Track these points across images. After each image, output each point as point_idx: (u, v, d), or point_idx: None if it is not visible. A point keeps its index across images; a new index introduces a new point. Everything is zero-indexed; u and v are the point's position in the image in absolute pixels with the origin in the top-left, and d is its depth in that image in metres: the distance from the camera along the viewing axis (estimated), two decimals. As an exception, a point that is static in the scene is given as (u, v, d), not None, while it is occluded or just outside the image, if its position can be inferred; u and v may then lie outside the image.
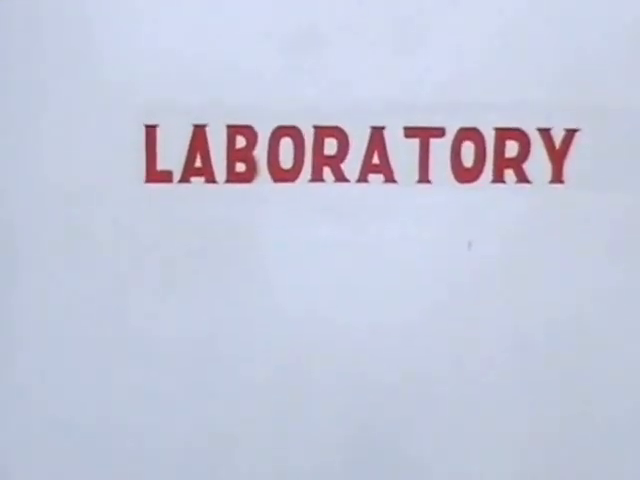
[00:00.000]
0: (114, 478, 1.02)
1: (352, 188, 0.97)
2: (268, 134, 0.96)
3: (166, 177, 0.96)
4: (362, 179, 0.97)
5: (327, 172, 0.97)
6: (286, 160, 0.96)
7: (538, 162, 0.96)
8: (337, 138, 0.96)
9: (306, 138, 0.96)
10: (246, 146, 0.96)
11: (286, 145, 0.96)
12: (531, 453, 1.03)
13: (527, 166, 0.96)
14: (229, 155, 0.96)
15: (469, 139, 0.96)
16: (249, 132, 0.96)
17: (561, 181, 0.96)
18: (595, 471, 1.03)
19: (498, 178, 0.97)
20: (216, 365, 0.99)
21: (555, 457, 1.02)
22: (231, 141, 0.96)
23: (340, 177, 0.97)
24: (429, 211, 0.97)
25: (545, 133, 0.96)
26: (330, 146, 0.96)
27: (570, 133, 0.96)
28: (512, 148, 0.96)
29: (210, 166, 0.96)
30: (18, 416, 1.01)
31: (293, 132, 0.96)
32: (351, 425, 1.01)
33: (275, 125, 0.96)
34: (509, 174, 0.97)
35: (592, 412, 1.02)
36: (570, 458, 1.03)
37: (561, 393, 1.01)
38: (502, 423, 1.02)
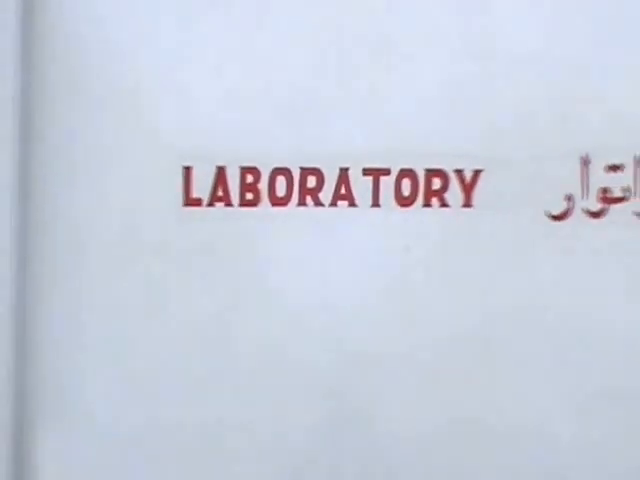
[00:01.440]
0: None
1: (326, 210, 1.39)
2: (268, 173, 1.38)
3: (198, 202, 1.39)
4: (333, 204, 1.39)
5: (309, 199, 1.39)
6: (280, 191, 1.39)
7: (454, 193, 1.39)
8: (316, 176, 1.38)
9: (294, 176, 1.39)
10: (253, 181, 1.39)
11: (280, 181, 1.39)
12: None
13: (447, 195, 1.39)
14: (241, 187, 1.39)
15: (407, 177, 1.38)
16: (255, 172, 1.38)
17: (470, 206, 1.39)
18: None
19: (427, 203, 1.39)
20: (233, 339, 1.40)
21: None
22: (243, 178, 1.38)
23: (318, 203, 1.39)
24: (379, 225, 1.38)
25: (459, 173, 1.38)
26: (311, 181, 1.38)
27: (477, 173, 1.38)
28: (436, 183, 1.38)
29: (228, 195, 1.38)
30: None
31: (285, 172, 1.38)
32: (323, 385, 1.42)
33: (273, 167, 1.38)
34: (434, 201, 1.39)
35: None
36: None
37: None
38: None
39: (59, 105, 1.38)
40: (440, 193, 1.39)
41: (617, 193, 1.37)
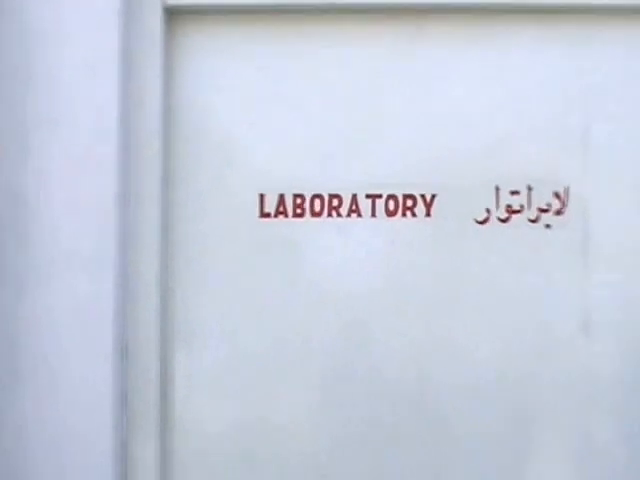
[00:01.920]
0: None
1: (344, 220, 2.32)
2: (309, 197, 2.31)
3: (268, 215, 2.31)
4: (348, 216, 2.32)
5: (334, 213, 2.32)
6: (317, 208, 2.31)
7: (420, 208, 2.32)
8: (338, 199, 2.32)
9: (325, 199, 2.31)
10: (300, 202, 2.31)
11: (317, 202, 2.31)
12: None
13: (416, 210, 2.32)
14: (293, 206, 2.31)
15: (392, 199, 2.31)
16: (301, 197, 2.31)
17: (429, 215, 2.32)
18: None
19: (404, 214, 2.31)
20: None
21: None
22: (294, 200, 2.31)
23: (339, 215, 2.32)
24: (376, 228, 2.31)
25: (423, 196, 2.31)
26: (335, 202, 2.31)
27: (433, 196, 2.31)
28: (409, 202, 2.31)
29: (286, 210, 2.31)
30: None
31: (320, 196, 2.31)
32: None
33: (312, 193, 2.31)
34: (408, 213, 2.31)
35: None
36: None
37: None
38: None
39: (191, 166, 2.31)
40: (412, 208, 2.31)
41: (516, 207, 2.31)
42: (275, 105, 2.33)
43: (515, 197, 2.32)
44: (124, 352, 2.21)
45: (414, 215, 2.32)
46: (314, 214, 2.32)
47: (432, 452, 2.29)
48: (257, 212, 2.32)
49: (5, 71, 2.17)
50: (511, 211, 2.31)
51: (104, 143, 2.17)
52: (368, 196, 2.32)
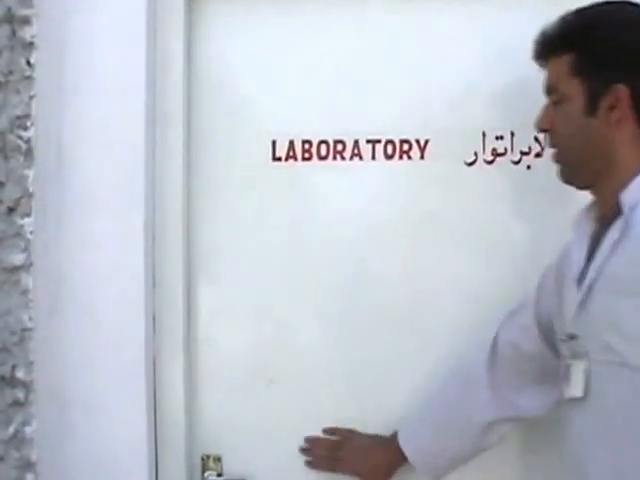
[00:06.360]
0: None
1: (347, 163, 2.61)
2: (316, 143, 2.59)
3: (280, 158, 2.61)
4: (351, 159, 2.60)
5: (338, 157, 2.60)
6: (323, 152, 2.60)
7: (415, 152, 2.60)
8: (342, 144, 2.59)
9: (330, 144, 2.59)
10: (308, 147, 2.59)
11: (323, 147, 2.60)
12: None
13: (411, 153, 2.60)
14: (302, 151, 2.59)
15: (390, 143, 2.59)
16: (309, 143, 2.59)
17: (423, 158, 2.61)
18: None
19: (400, 158, 2.59)
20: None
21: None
22: (303, 146, 2.59)
23: (343, 159, 2.60)
24: (375, 169, 2.60)
25: (417, 141, 2.60)
26: (339, 147, 2.60)
27: (427, 141, 2.60)
28: (405, 147, 2.59)
29: (295, 154, 2.59)
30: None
31: (326, 142, 2.60)
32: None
33: (319, 139, 2.60)
34: (404, 156, 2.59)
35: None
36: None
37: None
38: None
39: (211, 116, 2.59)
40: (408, 152, 2.58)
41: (500, 150, 2.59)
42: (286, 63, 2.61)
43: (499, 142, 2.60)
44: (153, 279, 2.51)
45: (410, 158, 2.61)
46: (320, 158, 2.61)
47: (424, 361, 2.59)
48: (270, 156, 2.62)
49: (46, 41, 2.41)
50: (496, 154, 2.60)
51: (133, 97, 2.42)
52: (369, 141, 2.60)
